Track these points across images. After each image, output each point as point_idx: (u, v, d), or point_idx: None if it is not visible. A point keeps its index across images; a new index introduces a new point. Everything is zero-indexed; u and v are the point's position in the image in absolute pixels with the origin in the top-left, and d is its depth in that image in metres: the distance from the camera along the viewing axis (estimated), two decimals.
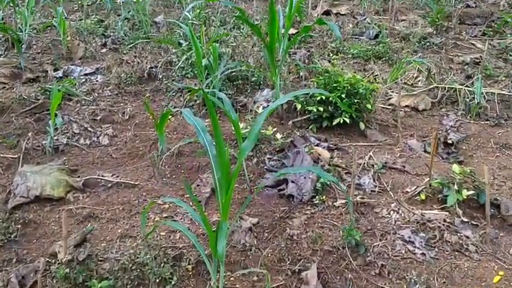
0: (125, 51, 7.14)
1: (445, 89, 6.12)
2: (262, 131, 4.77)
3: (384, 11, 9.51)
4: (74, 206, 3.92)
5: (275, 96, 5.38)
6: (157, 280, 3.08)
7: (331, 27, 5.40)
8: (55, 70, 6.66)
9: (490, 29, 8.52)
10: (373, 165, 4.42)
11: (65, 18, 8.45)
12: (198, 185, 4.22)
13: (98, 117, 5.37)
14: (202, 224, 3.02)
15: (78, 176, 4.30)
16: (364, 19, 8.91)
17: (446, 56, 7.30)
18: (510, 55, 7.32)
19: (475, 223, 3.73)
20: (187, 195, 4.07)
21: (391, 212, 3.86)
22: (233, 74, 5.94)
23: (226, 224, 2.81)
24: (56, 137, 4.84)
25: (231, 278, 3.20)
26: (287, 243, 3.50)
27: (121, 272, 3.11)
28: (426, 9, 9.53)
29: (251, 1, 9.76)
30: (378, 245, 3.49)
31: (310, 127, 5.16)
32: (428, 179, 4.08)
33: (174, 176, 4.39)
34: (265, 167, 4.45)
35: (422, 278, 3.16)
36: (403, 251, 3.45)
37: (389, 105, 5.86)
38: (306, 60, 6.83)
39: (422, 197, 3.97)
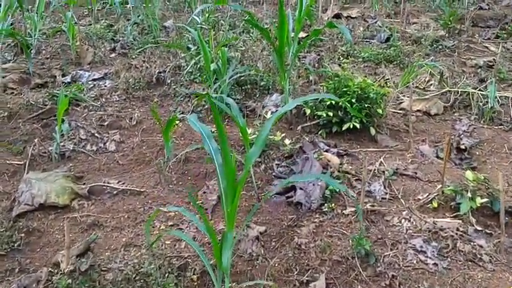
0: (133, 56, 7.11)
1: (457, 93, 6.00)
2: (271, 137, 4.69)
3: (395, 13, 9.41)
4: (78, 214, 3.87)
5: (284, 101, 5.30)
6: None
7: (341, 30, 5.32)
8: (63, 75, 6.65)
9: (503, 32, 8.36)
10: (383, 172, 4.33)
11: (75, 23, 8.49)
12: (204, 192, 4.15)
13: (105, 123, 5.33)
14: (207, 234, 2.94)
15: (84, 183, 4.25)
16: (375, 22, 8.81)
17: (459, 59, 7.17)
18: None
19: (489, 232, 3.61)
20: None
21: (403, 220, 3.75)
22: (242, 78, 5.87)
23: (232, 234, 2.73)
24: (62, 143, 4.80)
25: None
26: (295, 252, 3.41)
27: (124, 282, 3.04)
28: (438, 12, 9.41)
29: (261, 4, 9.72)
30: (389, 254, 3.39)
31: (319, 132, 5.07)
32: (440, 186, 3.97)
33: (180, 183, 4.33)
34: (274, 174, 4.37)
35: None
36: (415, 261, 3.34)
37: (400, 109, 5.75)
38: (316, 64, 6.74)
39: (435, 204, 3.86)
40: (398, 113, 5.68)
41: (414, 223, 3.69)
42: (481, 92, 5.84)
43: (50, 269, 3.22)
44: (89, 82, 6.44)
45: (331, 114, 4.98)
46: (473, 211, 3.73)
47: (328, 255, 3.37)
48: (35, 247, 3.56)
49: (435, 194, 3.95)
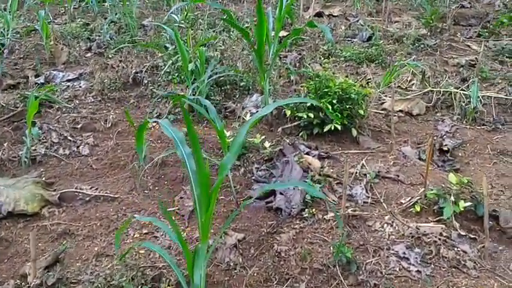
0: (110, 56, 6.90)
1: (440, 92, 5.93)
2: (250, 139, 4.56)
3: (377, 12, 9.31)
4: (48, 222, 3.70)
5: (264, 102, 5.17)
6: None
7: (322, 29, 5.21)
8: (36, 76, 6.41)
9: (485, 30, 8.31)
10: (365, 175, 4.22)
11: (50, 21, 8.25)
12: (181, 197, 4.01)
13: (79, 126, 5.14)
14: (180, 246, 2.79)
15: (55, 190, 4.07)
16: (357, 21, 8.71)
17: (441, 58, 7.10)
18: (506, 57, 7.12)
19: (472, 236, 3.53)
20: (170, 208, 3.85)
21: (385, 225, 3.65)
22: (221, 78, 5.72)
23: (206, 247, 2.59)
24: (33, 147, 4.62)
25: None
26: (274, 260, 3.29)
27: None
28: (420, 10, 9.34)
29: (242, 3, 9.55)
30: (371, 262, 3.28)
31: (300, 134, 4.95)
32: (423, 189, 3.87)
33: (156, 188, 4.18)
34: (253, 178, 4.24)
35: None
36: (397, 269, 3.24)
37: (382, 110, 5.66)
38: (297, 64, 6.62)
39: (417, 208, 3.77)
40: (380, 113, 5.58)
41: (397, 228, 3.59)
42: (464, 92, 5.78)
43: (17, 281, 3.08)
44: (63, 83, 6.21)
45: (312, 115, 4.86)
46: (457, 215, 3.65)
47: (308, 263, 3.26)
48: (2, 257, 3.40)
49: (418, 198, 3.86)
